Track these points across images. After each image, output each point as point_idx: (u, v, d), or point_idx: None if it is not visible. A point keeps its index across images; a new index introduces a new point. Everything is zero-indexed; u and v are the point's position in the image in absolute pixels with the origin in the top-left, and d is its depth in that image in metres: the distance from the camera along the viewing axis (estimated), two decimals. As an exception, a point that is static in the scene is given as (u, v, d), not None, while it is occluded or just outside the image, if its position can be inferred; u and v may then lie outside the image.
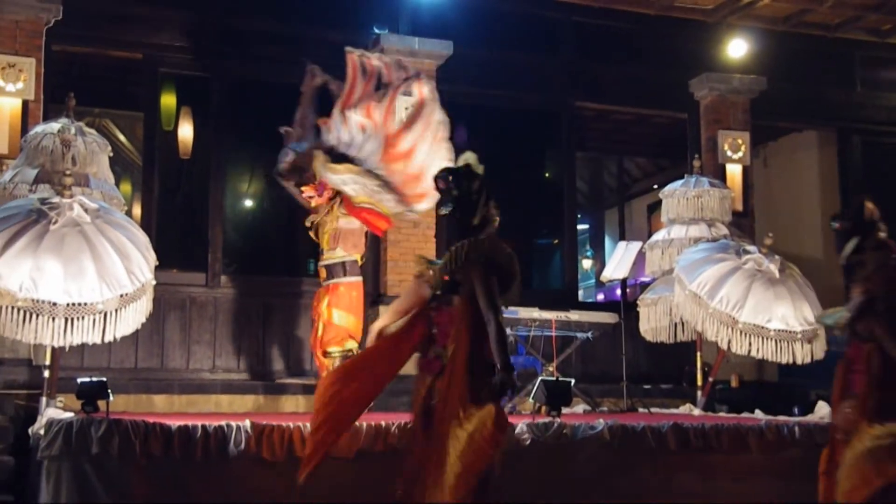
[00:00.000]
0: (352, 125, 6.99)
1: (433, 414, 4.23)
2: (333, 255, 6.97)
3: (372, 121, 7.00)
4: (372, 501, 5.09)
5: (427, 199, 6.85)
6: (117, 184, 7.31)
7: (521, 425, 5.50)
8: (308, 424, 5.16)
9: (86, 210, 6.12)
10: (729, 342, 7.36)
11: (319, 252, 7.06)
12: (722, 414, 7.84)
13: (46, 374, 6.28)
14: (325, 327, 6.92)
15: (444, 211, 4.68)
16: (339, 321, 6.82)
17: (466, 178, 4.64)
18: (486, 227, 4.53)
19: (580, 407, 7.77)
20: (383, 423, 5.40)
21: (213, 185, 9.32)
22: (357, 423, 5.06)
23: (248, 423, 5.10)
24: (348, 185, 6.81)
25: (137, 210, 10.04)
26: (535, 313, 7.65)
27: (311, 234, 7.10)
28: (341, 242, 6.97)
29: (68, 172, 6.35)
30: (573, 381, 6.55)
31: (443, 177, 4.70)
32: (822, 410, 6.97)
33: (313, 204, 7.04)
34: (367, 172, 6.88)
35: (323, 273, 7.02)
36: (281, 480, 5.07)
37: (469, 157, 4.75)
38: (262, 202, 10.86)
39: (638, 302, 8.67)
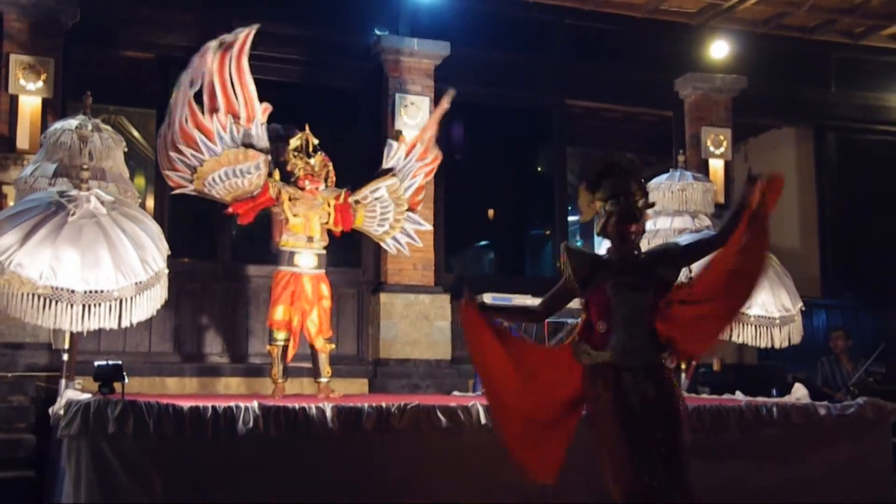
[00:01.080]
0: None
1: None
2: (323, 245, 7.22)
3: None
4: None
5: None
6: (131, 177, 7.30)
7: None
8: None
9: (102, 202, 6.12)
10: (711, 328, 7.37)
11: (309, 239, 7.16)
12: (704, 395, 7.84)
13: (65, 357, 6.28)
14: (325, 314, 7.15)
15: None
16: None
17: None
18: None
19: (571, 389, 7.78)
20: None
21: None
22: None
23: (256, 403, 5.10)
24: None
25: (151, 202, 10.03)
26: (528, 300, 7.65)
27: (298, 221, 7.14)
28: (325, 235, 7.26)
29: (85, 167, 6.34)
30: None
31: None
32: (799, 392, 6.98)
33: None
34: None
35: (315, 261, 7.16)
36: (287, 457, 5.10)
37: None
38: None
39: (625, 289, 8.67)
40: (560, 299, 4.44)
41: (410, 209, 7.61)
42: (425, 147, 7.68)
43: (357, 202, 7.36)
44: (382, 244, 7.69)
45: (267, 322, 7.29)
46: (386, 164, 7.60)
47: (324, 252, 7.25)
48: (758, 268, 4.14)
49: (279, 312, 7.02)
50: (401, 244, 7.66)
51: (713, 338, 4.33)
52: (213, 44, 6.81)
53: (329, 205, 7.23)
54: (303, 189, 7.14)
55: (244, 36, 6.88)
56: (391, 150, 7.64)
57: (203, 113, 6.70)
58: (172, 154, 6.69)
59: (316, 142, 7.36)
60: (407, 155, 7.61)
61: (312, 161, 7.24)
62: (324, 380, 7.23)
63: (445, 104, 7.63)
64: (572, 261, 4.27)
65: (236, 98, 6.81)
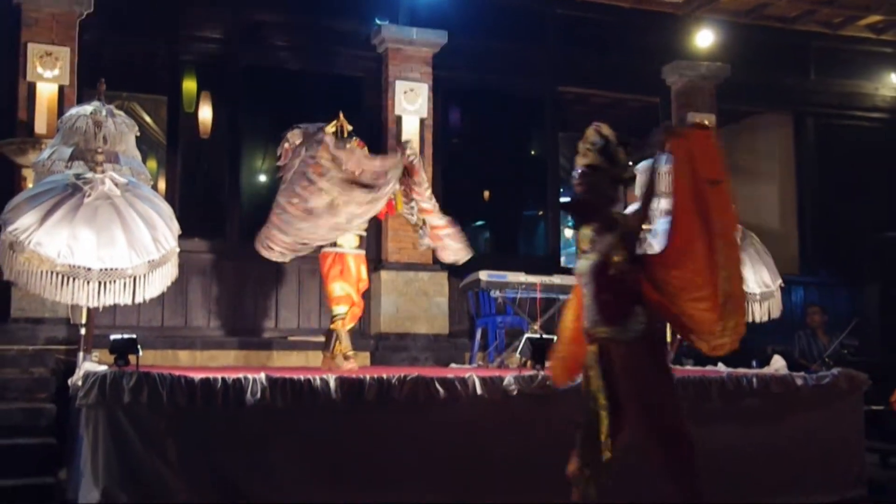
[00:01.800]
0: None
1: None
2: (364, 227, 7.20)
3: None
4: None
5: None
6: (144, 161, 7.27)
7: (508, 378, 5.52)
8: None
9: (116, 184, 6.11)
10: (696, 303, 7.37)
11: None
12: (688, 367, 7.88)
13: (83, 331, 6.29)
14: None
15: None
16: None
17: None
18: None
19: (561, 361, 7.80)
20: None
21: (230, 162, 9.35)
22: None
23: (263, 375, 5.11)
24: None
25: (162, 184, 10.02)
26: (521, 277, 7.68)
27: None
28: None
29: (100, 150, 6.33)
30: (556, 338, 6.56)
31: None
32: (777, 363, 7.02)
33: None
34: None
35: (357, 241, 7.19)
36: (292, 426, 5.12)
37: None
38: (275, 176, 10.82)
39: (614, 267, 8.67)
40: None
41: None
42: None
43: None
44: (418, 235, 7.54)
45: (328, 301, 7.26)
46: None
47: (364, 234, 7.27)
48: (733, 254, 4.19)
49: (337, 289, 7.04)
50: (425, 242, 7.48)
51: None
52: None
53: None
54: None
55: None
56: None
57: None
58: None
59: (350, 128, 7.23)
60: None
61: (348, 146, 7.02)
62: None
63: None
64: None
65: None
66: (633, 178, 4.83)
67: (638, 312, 4.14)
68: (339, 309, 7.05)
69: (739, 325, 4.28)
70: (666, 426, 4.10)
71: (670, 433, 4.08)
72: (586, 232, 4.43)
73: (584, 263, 4.40)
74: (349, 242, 7.11)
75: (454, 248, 7.28)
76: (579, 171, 4.45)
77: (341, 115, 7.27)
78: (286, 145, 7.07)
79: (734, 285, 4.18)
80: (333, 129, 7.16)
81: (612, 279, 4.19)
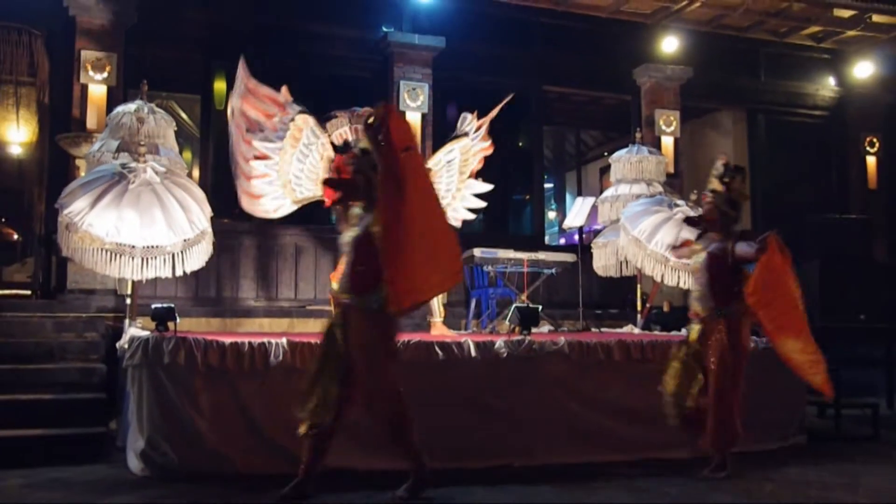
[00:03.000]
0: None
1: None
2: None
3: None
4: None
5: None
6: (180, 152, 7.24)
7: (499, 342, 5.52)
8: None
9: (156, 172, 6.10)
10: (662, 276, 7.37)
11: None
12: (656, 332, 7.88)
13: (128, 301, 6.30)
14: None
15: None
16: None
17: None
18: None
19: (546, 327, 7.81)
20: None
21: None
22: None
23: (284, 340, 5.12)
24: None
25: (196, 172, 10.00)
26: (510, 254, 7.65)
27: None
28: None
29: (142, 143, 6.31)
30: (541, 307, 6.56)
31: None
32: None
33: None
34: None
35: None
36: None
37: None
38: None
39: (592, 245, 8.67)
40: None
41: (470, 176, 7.31)
42: (486, 131, 7.40)
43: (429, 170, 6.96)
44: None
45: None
46: (459, 131, 7.29)
47: None
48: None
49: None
50: (457, 215, 7.26)
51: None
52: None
53: None
54: None
55: (240, 72, 6.27)
56: (465, 121, 7.36)
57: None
58: (250, 182, 6.24)
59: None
60: (476, 129, 7.28)
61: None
62: (438, 319, 6.96)
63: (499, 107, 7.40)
64: None
65: (264, 104, 6.28)
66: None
67: (381, 288, 4.06)
68: (336, 284, 6.70)
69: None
70: (383, 390, 4.11)
71: (386, 398, 4.11)
72: (355, 211, 4.31)
73: (348, 235, 4.31)
74: None
75: None
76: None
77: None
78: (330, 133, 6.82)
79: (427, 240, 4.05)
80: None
81: (371, 253, 4.09)
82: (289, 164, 6.29)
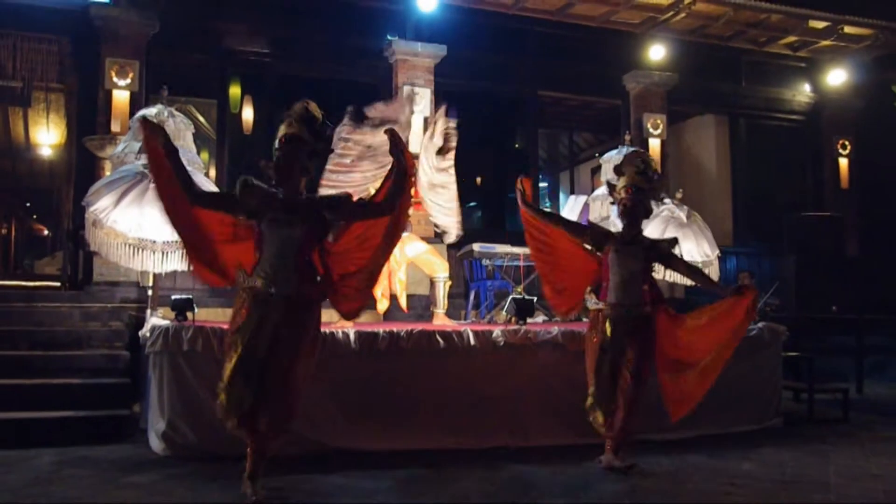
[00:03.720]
0: None
1: None
2: None
3: None
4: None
5: None
6: (198, 153, 7.23)
7: (496, 331, 5.52)
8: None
9: (176, 172, 6.07)
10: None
11: None
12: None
13: (150, 292, 6.29)
14: (431, 254, 6.70)
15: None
16: None
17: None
18: None
19: (540, 317, 7.79)
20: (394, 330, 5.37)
21: (268, 154, 9.26)
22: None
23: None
24: None
25: (213, 172, 9.97)
26: (507, 248, 7.64)
27: None
28: None
29: (163, 145, 6.28)
30: (535, 298, 6.55)
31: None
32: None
33: None
34: None
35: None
36: (319, 370, 5.10)
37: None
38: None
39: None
40: None
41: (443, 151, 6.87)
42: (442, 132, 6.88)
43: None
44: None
45: None
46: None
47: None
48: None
49: None
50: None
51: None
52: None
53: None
54: None
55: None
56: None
57: None
58: None
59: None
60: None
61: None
62: (440, 311, 6.72)
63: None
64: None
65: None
66: None
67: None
68: None
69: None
70: (299, 373, 3.93)
71: (297, 380, 3.92)
72: None
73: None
74: None
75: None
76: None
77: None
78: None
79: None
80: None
81: None
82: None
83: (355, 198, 4.27)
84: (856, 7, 10.45)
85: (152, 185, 5.80)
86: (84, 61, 8.50)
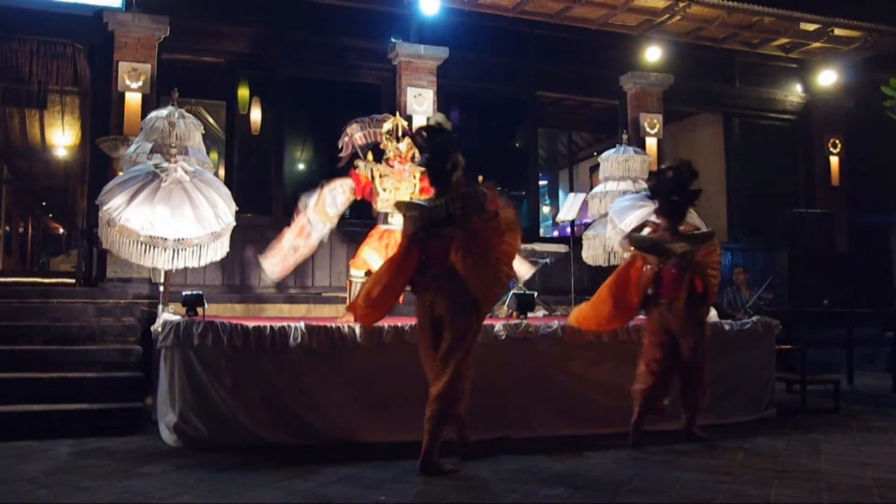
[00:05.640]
0: None
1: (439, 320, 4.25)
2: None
3: None
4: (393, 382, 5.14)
5: None
6: (207, 153, 7.21)
7: (498, 325, 5.51)
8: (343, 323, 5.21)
9: (186, 172, 6.08)
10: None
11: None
12: (640, 317, 7.85)
13: (161, 288, 6.30)
14: None
15: (421, 161, 4.52)
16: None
17: (438, 133, 4.46)
18: (455, 170, 4.42)
19: (541, 312, 7.79)
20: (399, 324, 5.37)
21: (276, 154, 9.28)
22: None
23: (302, 324, 5.11)
24: None
25: (222, 171, 9.97)
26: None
27: (387, 196, 6.58)
28: None
29: (173, 145, 6.29)
30: (536, 293, 6.54)
31: (419, 133, 4.55)
32: (710, 313, 6.96)
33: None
34: None
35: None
36: (326, 364, 5.12)
37: (438, 117, 4.55)
38: (311, 165, 10.75)
39: (582, 237, 8.65)
40: None
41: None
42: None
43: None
44: None
45: (349, 261, 6.84)
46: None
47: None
48: None
49: (362, 253, 6.51)
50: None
51: None
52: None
53: (414, 177, 6.63)
54: (391, 167, 6.62)
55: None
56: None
57: None
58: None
59: (405, 124, 6.82)
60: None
61: (401, 146, 6.64)
62: None
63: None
64: None
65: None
66: None
67: None
68: (353, 271, 6.57)
69: None
70: None
71: None
72: None
73: None
74: (398, 221, 6.64)
75: None
76: None
77: (398, 116, 6.88)
78: (346, 138, 6.79)
79: None
80: (391, 127, 6.72)
81: None
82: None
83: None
84: (846, 10, 10.43)
85: (164, 184, 5.85)
86: (98, 65, 8.49)
